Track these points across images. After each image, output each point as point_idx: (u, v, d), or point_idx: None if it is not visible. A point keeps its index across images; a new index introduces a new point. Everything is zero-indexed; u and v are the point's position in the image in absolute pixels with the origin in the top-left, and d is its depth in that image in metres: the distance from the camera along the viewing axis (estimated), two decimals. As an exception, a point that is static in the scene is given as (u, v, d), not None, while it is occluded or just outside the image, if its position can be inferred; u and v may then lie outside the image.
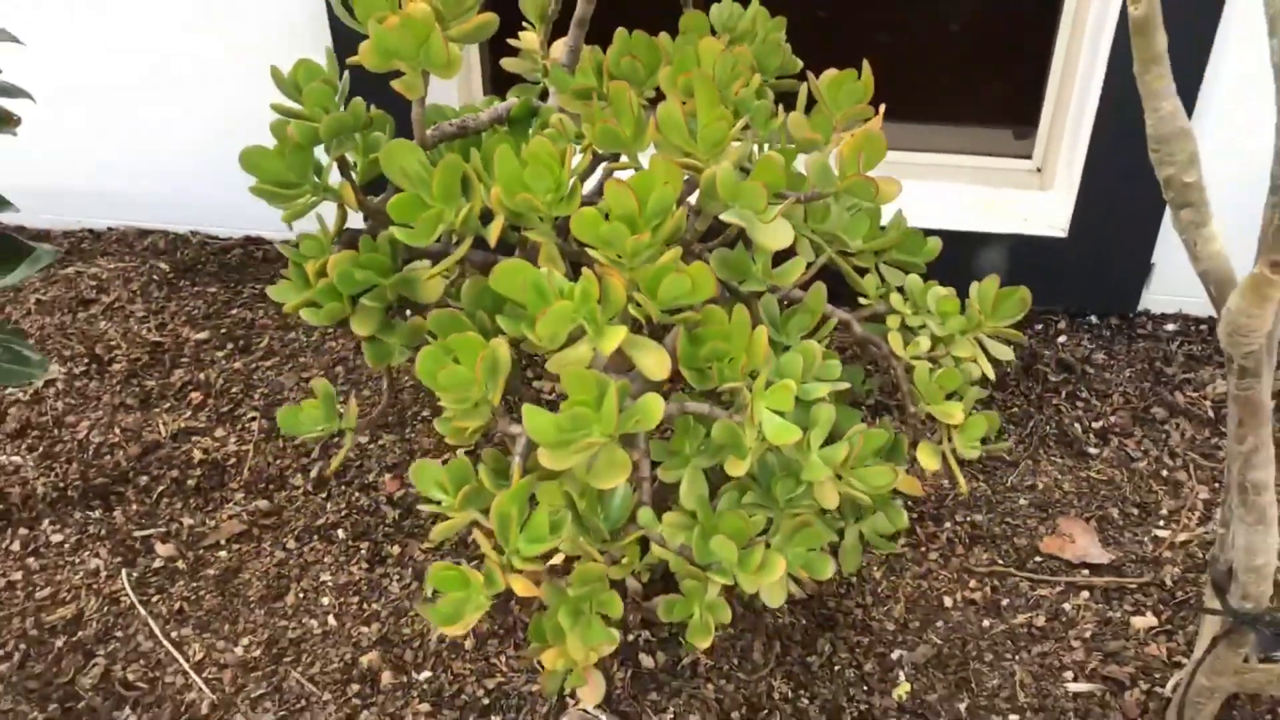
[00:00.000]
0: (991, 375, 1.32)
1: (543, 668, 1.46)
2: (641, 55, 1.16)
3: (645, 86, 1.18)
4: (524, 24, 1.41)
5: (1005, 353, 1.35)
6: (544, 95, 1.40)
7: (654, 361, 1.01)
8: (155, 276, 2.41)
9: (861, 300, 1.35)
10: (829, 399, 1.09)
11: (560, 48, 1.34)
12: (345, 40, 2.07)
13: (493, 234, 1.04)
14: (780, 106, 1.24)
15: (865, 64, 1.14)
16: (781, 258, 1.23)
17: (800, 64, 1.38)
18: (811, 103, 1.22)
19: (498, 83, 2.33)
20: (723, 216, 1.06)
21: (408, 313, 1.30)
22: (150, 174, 2.50)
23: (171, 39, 2.33)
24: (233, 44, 2.31)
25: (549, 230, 1.06)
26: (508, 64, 1.40)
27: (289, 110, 1.14)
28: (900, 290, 1.36)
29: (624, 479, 0.99)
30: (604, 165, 1.19)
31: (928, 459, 1.27)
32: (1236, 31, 1.92)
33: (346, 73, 1.17)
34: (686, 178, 1.08)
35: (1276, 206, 1.17)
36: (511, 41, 1.40)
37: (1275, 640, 1.30)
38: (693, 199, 1.18)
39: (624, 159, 1.16)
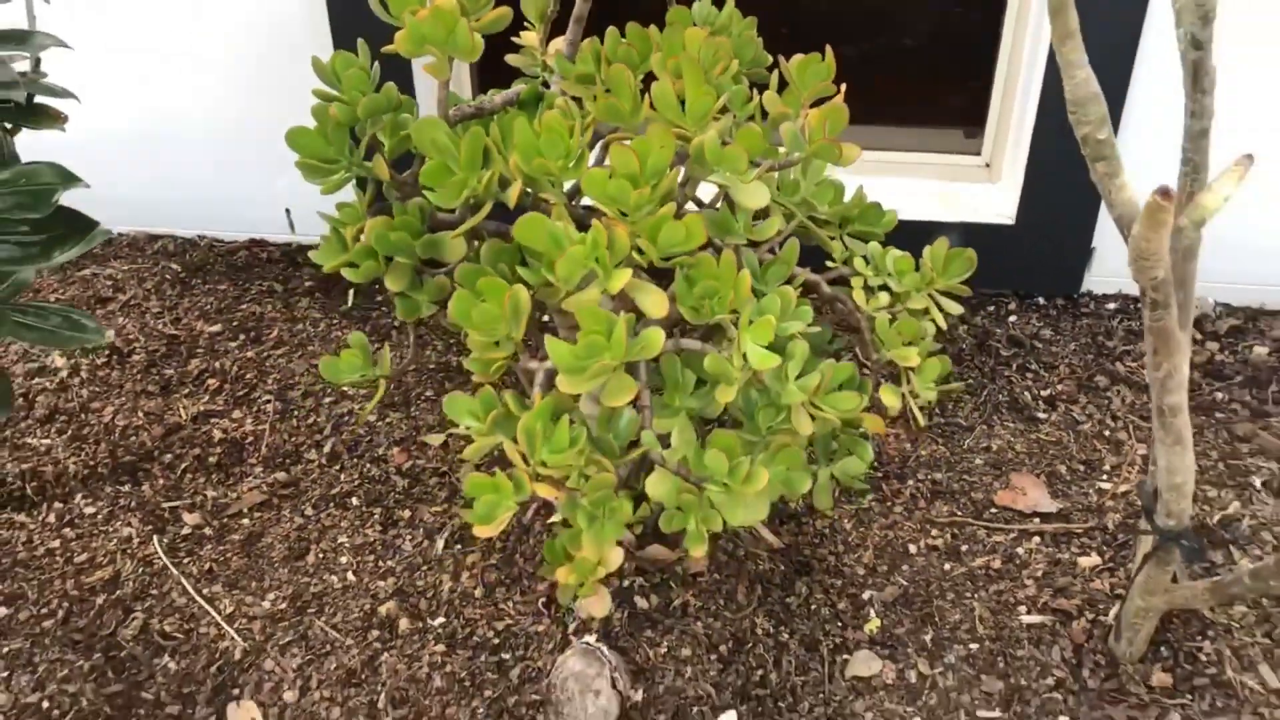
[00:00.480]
0: (944, 325, 1.50)
1: (549, 607, 1.62)
2: (635, 43, 1.34)
3: (638, 71, 1.35)
4: (524, 25, 1.59)
5: (955, 308, 1.53)
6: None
7: (653, 301, 1.18)
8: (168, 276, 2.56)
9: (829, 264, 1.53)
10: (801, 337, 1.27)
11: (558, 44, 1.52)
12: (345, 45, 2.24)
13: (512, 196, 1.21)
14: (754, 91, 1.42)
15: (828, 48, 1.33)
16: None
17: (769, 58, 1.56)
18: (782, 87, 1.40)
19: (484, 84, 2.50)
20: (709, 179, 1.24)
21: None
22: (156, 180, 2.64)
23: (172, 42, 2.47)
24: (234, 52, 2.45)
25: (560, 193, 1.23)
26: (511, 59, 1.57)
27: (328, 95, 1.30)
28: (864, 259, 1.54)
29: (630, 398, 1.16)
30: (603, 140, 1.36)
31: (890, 398, 1.44)
32: (1157, 40, 2.12)
33: (377, 63, 1.34)
34: (676, 150, 1.25)
35: (1187, 175, 1.37)
36: (514, 39, 1.57)
37: (1195, 553, 1.48)
38: (679, 177, 1.36)
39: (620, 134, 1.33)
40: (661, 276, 1.29)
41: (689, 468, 1.23)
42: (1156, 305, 1.25)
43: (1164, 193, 1.00)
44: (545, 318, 1.63)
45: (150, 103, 2.56)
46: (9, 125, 1.53)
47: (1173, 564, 1.52)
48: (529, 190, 1.27)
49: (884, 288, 1.51)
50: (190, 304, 2.47)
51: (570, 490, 1.19)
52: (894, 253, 1.51)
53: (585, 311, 1.13)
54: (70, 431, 2.11)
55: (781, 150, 1.34)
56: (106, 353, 2.31)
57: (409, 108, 1.34)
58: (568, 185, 1.28)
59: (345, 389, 2.22)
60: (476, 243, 1.43)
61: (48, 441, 2.09)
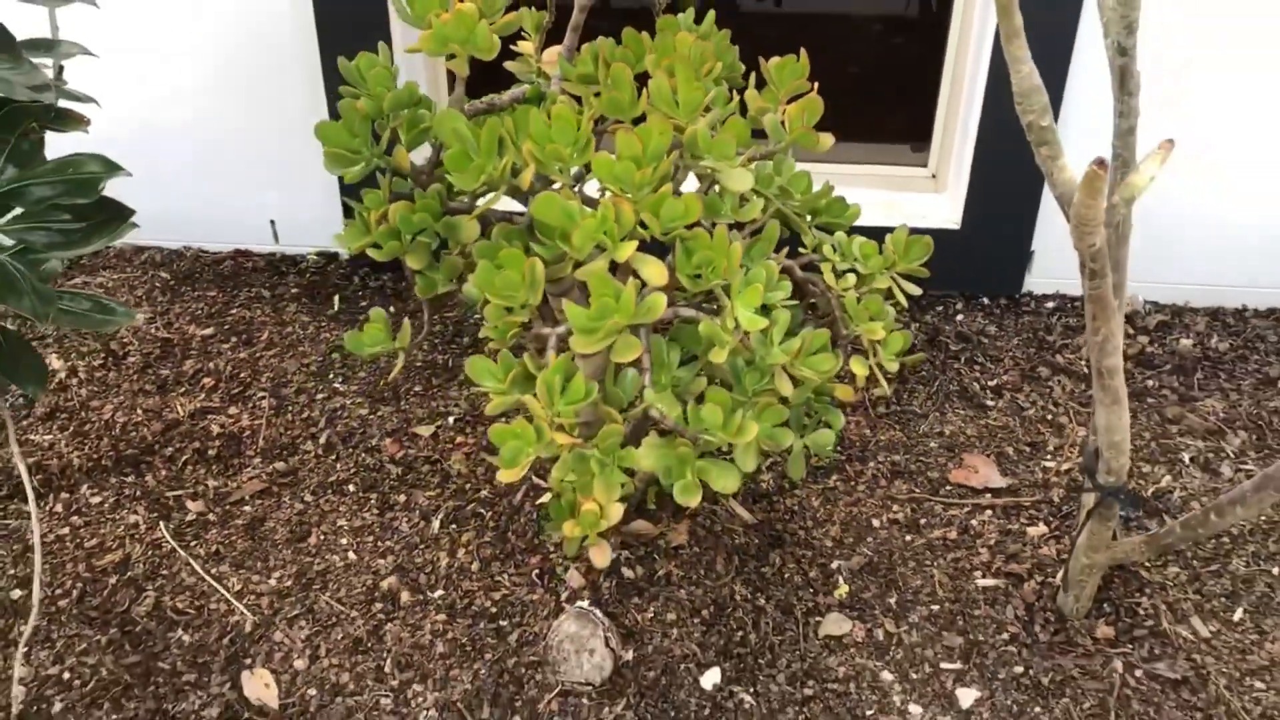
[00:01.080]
0: (905, 303, 1.66)
1: (542, 578, 1.73)
2: (631, 46, 1.49)
3: (634, 71, 1.50)
4: (520, 35, 1.73)
5: (914, 289, 1.69)
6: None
7: (654, 272, 1.32)
8: (157, 284, 2.66)
9: (800, 250, 1.69)
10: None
11: (551, 52, 1.67)
12: (333, 65, 2.37)
13: (525, 179, 1.35)
14: (732, 93, 1.58)
15: (802, 50, 1.49)
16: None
17: (743, 66, 1.72)
18: (760, 87, 1.56)
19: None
20: (698, 166, 1.39)
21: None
22: (143, 194, 2.73)
23: (161, 63, 2.57)
24: (221, 67, 2.57)
25: (568, 177, 1.37)
26: (510, 65, 1.71)
27: (354, 91, 1.44)
28: (832, 246, 1.70)
29: (636, 355, 1.29)
30: (602, 132, 1.51)
31: (859, 368, 1.60)
32: (1090, 52, 2.33)
33: (397, 63, 1.48)
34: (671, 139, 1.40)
35: (1117, 169, 1.55)
36: (512, 48, 1.72)
37: (1133, 506, 1.64)
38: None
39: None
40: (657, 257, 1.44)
41: (684, 425, 1.37)
42: (1095, 274, 1.41)
43: (1100, 163, 1.16)
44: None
45: (136, 114, 2.65)
46: (34, 126, 1.63)
47: (1113, 520, 1.68)
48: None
49: (850, 271, 1.67)
50: (181, 309, 2.57)
51: (580, 444, 1.32)
52: (859, 240, 1.67)
53: (596, 278, 1.27)
54: (72, 428, 2.20)
55: (763, 146, 1.50)
56: (102, 355, 2.40)
57: (427, 104, 1.48)
58: (573, 170, 1.42)
59: (336, 385, 2.33)
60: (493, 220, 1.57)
61: (50, 437, 2.18)
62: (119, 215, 1.49)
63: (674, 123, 1.36)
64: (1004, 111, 2.40)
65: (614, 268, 1.36)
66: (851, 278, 1.63)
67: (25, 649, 1.70)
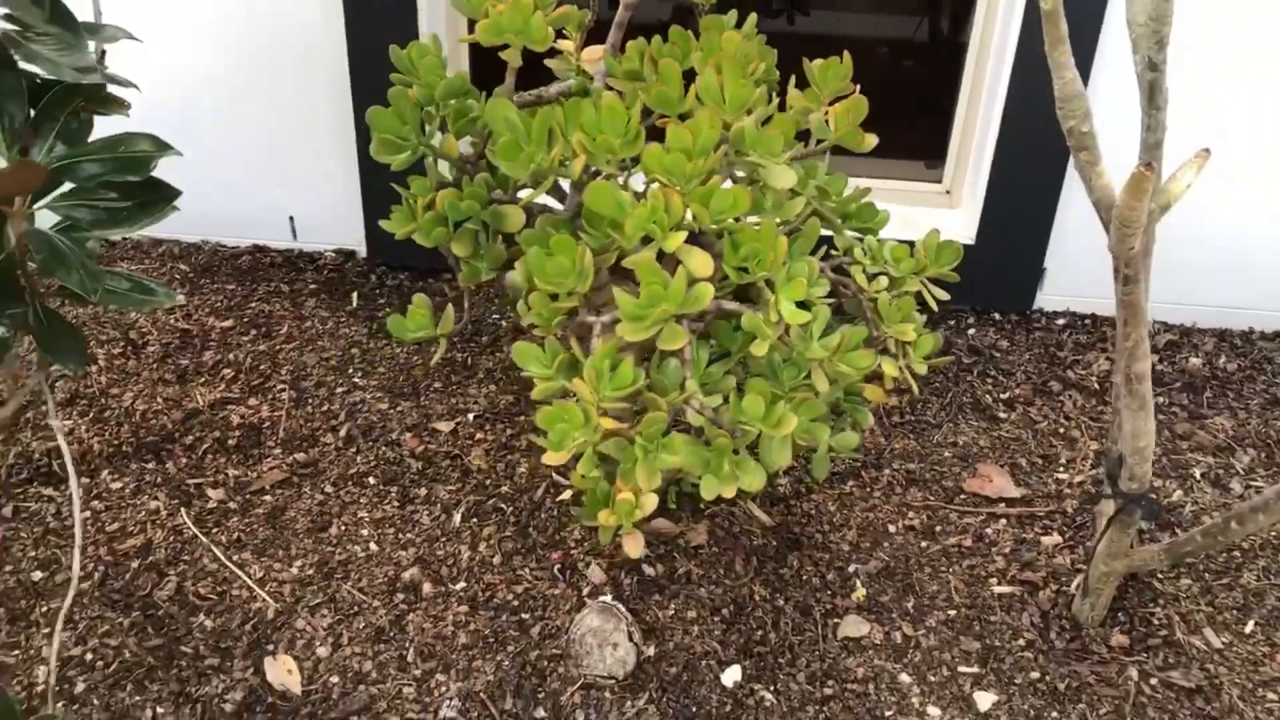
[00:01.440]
0: (935, 306, 1.68)
1: (564, 573, 1.74)
2: (678, 44, 1.52)
3: (680, 67, 1.52)
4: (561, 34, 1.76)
5: (942, 294, 1.71)
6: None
7: (699, 263, 1.34)
8: (176, 276, 2.66)
9: (833, 253, 1.72)
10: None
11: (591, 51, 1.69)
12: (360, 61, 2.38)
13: (575, 169, 1.37)
14: (771, 95, 1.61)
15: (845, 53, 1.52)
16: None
17: (778, 72, 1.75)
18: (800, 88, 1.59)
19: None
20: (743, 162, 1.41)
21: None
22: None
23: (183, 55, 2.59)
24: (242, 60, 2.58)
25: (615, 169, 1.39)
26: (550, 63, 1.73)
27: (404, 80, 1.46)
28: (862, 250, 1.73)
29: (682, 344, 1.31)
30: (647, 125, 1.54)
31: (890, 369, 1.62)
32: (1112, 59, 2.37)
33: (445, 53, 1.50)
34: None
35: (1142, 183, 1.57)
36: (553, 46, 1.74)
37: (1155, 513, 1.67)
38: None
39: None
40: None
41: (723, 416, 1.38)
42: (1129, 280, 1.44)
43: (1147, 165, 1.19)
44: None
45: (156, 108, 2.65)
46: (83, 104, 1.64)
47: (1134, 526, 1.71)
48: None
49: (881, 274, 1.70)
50: (201, 301, 2.58)
51: (624, 429, 1.34)
52: (890, 243, 1.70)
53: (645, 267, 1.29)
54: (92, 414, 2.20)
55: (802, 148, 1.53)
56: (122, 344, 2.40)
57: (474, 95, 1.50)
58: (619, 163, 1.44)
59: (356, 379, 2.34)
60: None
61: (69, 424, 2.18)
62: (165, 196, 1.50)
63: (722, 118, 1.39)
64: (1021, 130, 2.46)
65: (659, 258, 1.38)
66: (883, 280, 1.65)
67: (61, 624, 1.70)
